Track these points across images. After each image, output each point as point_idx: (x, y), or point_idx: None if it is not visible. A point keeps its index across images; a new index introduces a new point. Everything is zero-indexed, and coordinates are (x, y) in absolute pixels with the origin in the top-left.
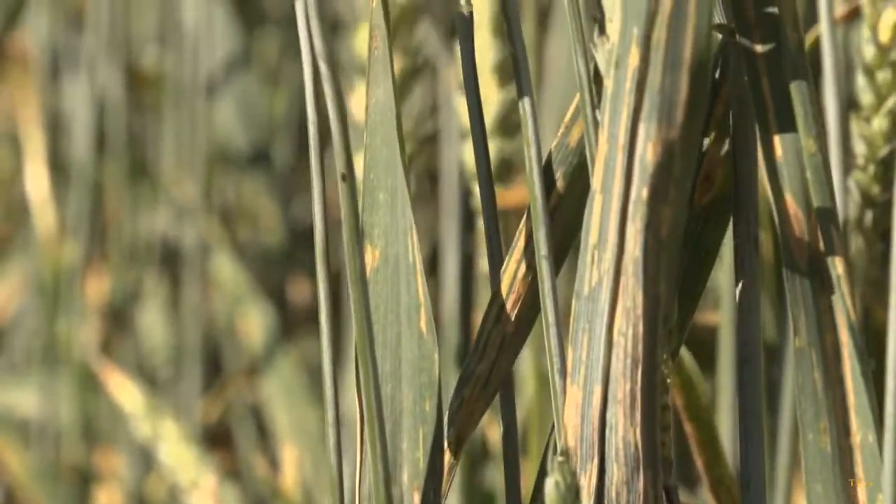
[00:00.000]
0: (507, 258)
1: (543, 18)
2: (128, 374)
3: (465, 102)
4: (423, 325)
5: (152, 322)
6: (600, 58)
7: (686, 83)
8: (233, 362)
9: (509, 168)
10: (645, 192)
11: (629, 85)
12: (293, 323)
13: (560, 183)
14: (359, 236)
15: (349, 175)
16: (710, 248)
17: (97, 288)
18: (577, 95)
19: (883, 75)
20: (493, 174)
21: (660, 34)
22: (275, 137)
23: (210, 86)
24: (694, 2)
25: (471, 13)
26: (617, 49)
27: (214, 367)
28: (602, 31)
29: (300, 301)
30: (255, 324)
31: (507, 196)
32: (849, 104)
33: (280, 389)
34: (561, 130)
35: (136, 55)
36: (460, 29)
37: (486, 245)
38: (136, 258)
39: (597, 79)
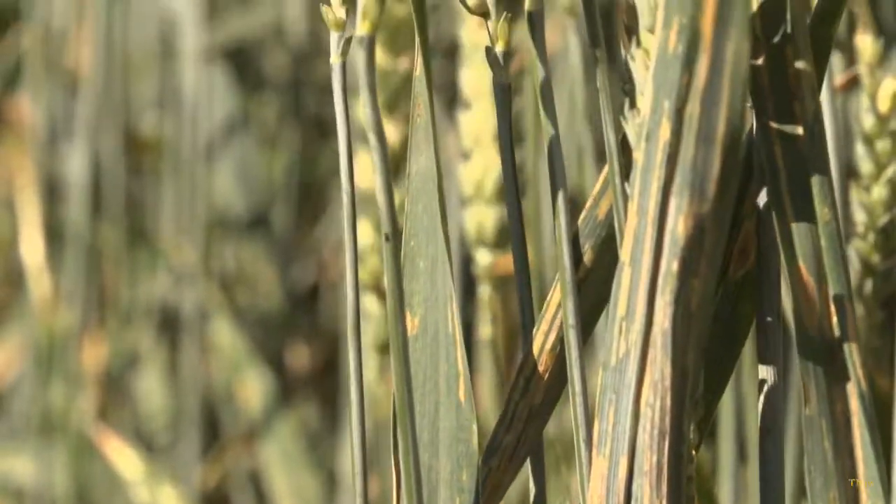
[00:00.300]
0: (535, 328)
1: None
2: (126, 440)
3: (466, 169)
4: (461, 394)
5: (151, 387)
6: (630, 130)
7: (719, 158)
8: (231, 427)
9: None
10: (675, 266)
11: (660, 158)
12: (292, 388)
13: (588, 255)
14: (401, 303)
15: (394, 237)
16: (743, 322)
17: (95, 354)
18: (606, 167)
19: (882, 144)
20: (496, 241)
21: (693, 108)
22: (273, 202)
23: (208, 150)
24: (728, 77)
25: (510, 83)
26: (648, 122)
27: (213, 433)
28: (633, 104)
29: (299, 366)
30: (253, 389)
31: (508, 262)
32: (848, 172)
33: (278, 455)
34: (589, 202)
35: (135, 120)
36: (497, 96)
37: (519, 312)
38: (134, 323)
39: (625, 150)
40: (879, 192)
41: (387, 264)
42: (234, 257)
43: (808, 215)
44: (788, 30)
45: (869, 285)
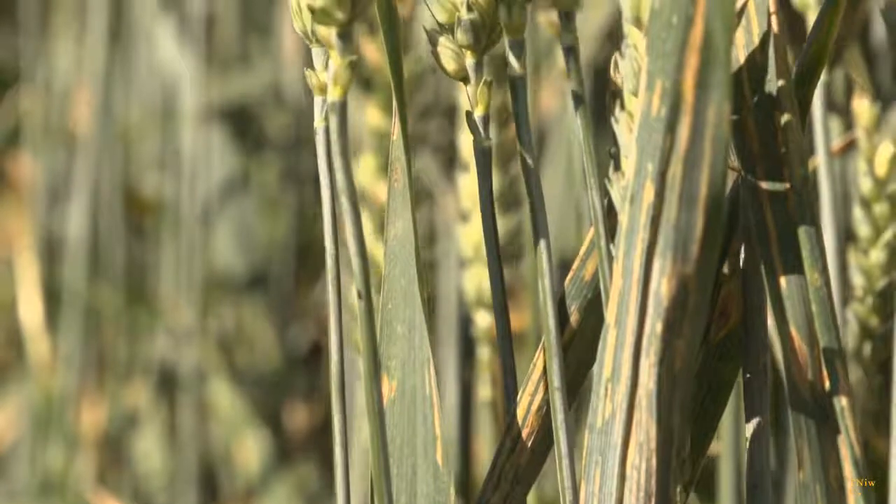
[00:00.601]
0: (520, 390)
1: (539, 146)
2: (124, 501)
3: (465, 230)
4: (439, 457)
5: (149, 448)
6: (615, 193)
7: (701, 219)
8: (229, 488)
9: (508, 295)
10: (659, 327)
11: (644, 220)
12: (290, 448)
13: (574, 316)
14: (377, 368)
15: (367, 300)
16: (726, 383)
17: (93, 415)
18: (592, 229)
19: (880, 208)
20: None
21: (675, 171)
22: (272, 262)
23: (207, 211)
24: (710, 140)
25: (490, 147)
26: (632, 184)
27: (211, 493)
28: (617, 167)
29: (297, 426)
30: (251, 450)
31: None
32: (846, 236)
33: None
34: (576, 263)
35: (134, 180)
36: (478, 161)
37: (502, 376)
38: (132, 384)
39: (610, 213)
40: (877, 255)
41: (361, 329)
42: (233, 317)
43: (799, 280)
44: (774, 91)
45: (867, 348)
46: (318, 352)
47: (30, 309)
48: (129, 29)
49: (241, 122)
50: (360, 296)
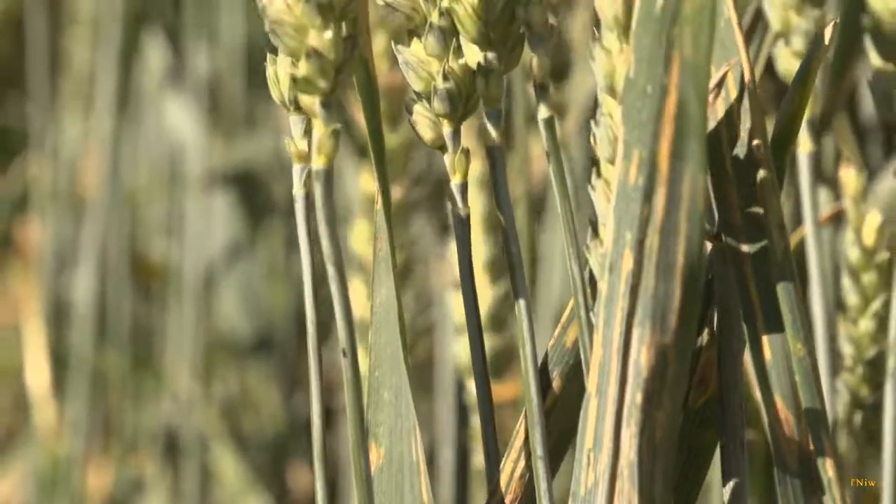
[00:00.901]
0: (504, 457)
1: (537, 215)
2: None
3: (457, 298)
4: None
5: None
6: (594, 261)
7: (679, 288)
8: None
9: (503, 362)
10: (639, 397)
11: (623, 289)
12: None
13: (556, 383)
14: (364, 435)
15: (353, 367)
16: (705, 450)
17: (99, 480)
18: (573, 298)
19: (868, 277)
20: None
21: (652, 240)
22: (277, 326)
23: (213, 276)
24: (685, 210)
25: (468, 215)
26: (611, 253)
27: None
28: (596, 234)
29: (300, 489)
30: None
31: (501, 390)
32: (836, 305)
33: None
34: (557, 331)
35: (141, 245)
36: (457, 229)
37: (482, 443)
38: (138, 449)
39: (591, 282)
40: (866, 324)
41: (348, 395)
42: (238, 381)
43: (783, 349)
44: (752, 157)
45: (858, 418)
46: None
47: (37, 374)
48: (135, 95)
49: (246, 187)
50: (343, 354)
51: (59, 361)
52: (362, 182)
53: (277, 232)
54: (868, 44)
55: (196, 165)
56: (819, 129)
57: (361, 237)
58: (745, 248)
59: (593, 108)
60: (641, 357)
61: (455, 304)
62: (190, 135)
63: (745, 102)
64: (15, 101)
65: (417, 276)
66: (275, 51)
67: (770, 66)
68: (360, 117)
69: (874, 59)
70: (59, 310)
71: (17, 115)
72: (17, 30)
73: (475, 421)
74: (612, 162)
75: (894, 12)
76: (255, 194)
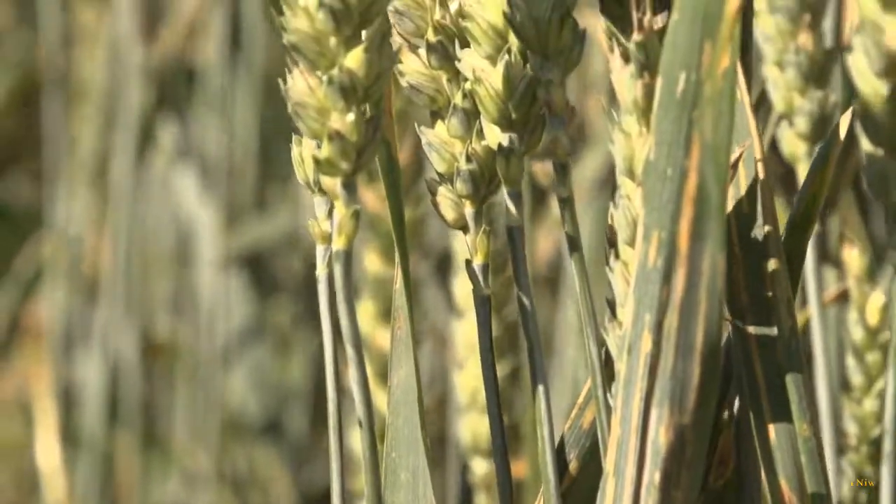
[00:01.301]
0: None
1: (553, 292)
2: None
3: (461, 377)
4: None
5: None
6: (612, 342)
7: (698, 369)
8: None
9: (512, 441)
10: (657, 477)
11: (642, 370)
12: None
13: (573, 464)
14: None
15: (371, 448)
16: None
17: None
18: (590, 378)
19: (872, 357)
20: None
21: (671, 321)
22: (287, 405)
23: (224, 354)
24: (705, 290)
25: (489, 295)
26: (630, 334)
27: None
28: (614, 316)
29: None
30: None
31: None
32: (840, 385)
33: None
34: (574, 412)
35: (151, 324)
36: (477, 308)
37: None
38: None
39: (608, 362)
40: (871, 404)
41: (366, 476)
42: (248, 460)
43: (788, 430)
44: (761, 240)
45: (863, 498)
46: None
47: (47, 451)
48: (147, 175)
49: (256, 266)
50: (360, 424)
51: (69, 439)
52: (368, 261)
53: (285, 309)
54: (858, 129)
55: (208, 245)
56: (824, 209)
57: (367, 316)
58: (751, 328)
59: (599, 186)
60: (660, 437)
61: (460, 383)
62: (201, 215)
63: (753, 180)
64: (21, 179)
65: (422, 352)
66: (296, 131)
67: (774, 146)
68: (366, 197)
69: (865, 144)
70: (69, 389)
71: (22, 193)
72: (26, 108)
73: (480, 501)
74: (630, 244)
75: (883, 97)
76: (264, 273)
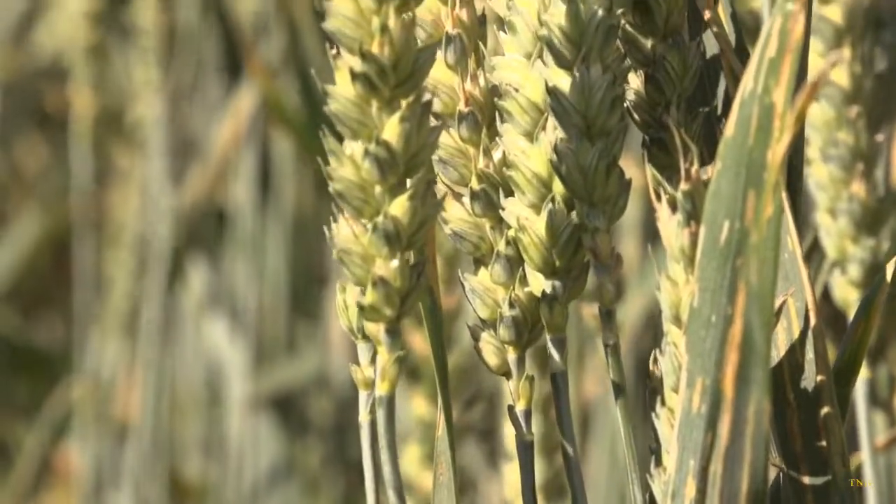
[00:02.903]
0: None
1: (583, 431)
2: None
3: None
4: None
5: None
6: (657, 488)
7: None
8: None
9: None
10: None
11: None
12: None
13: None
14: None
15: None
16: None
17: None
18: None
19: None
20: None
21: (716, 467)
22: None
23: (252, 495)
24: (750, 436)
25: (532, 440)
26: (674, 480)
27: None
28: (659, 462)
29: None
30: None
31: None
32: None
33: None
34: None
35: (180, 466)
36: (520, 454)
37: None
38: None
39: None
40: None
41: None
42: None
43: None
44: (814, 389)
45: None
46: None
47: None
48: (176, 316)
49: (285, 406)
50: None
51: None
52: (414, 405)
53: (313, 450)
54: None
55: (237, 386)
56: (874, 356)
57: (412, 460)
58: (806, 478)
59: (643, 327)
60: None
61: None
62: (231, 356)
63: (809, 333)
64: (52, 320)
65: (467, 499)
66: (326, 272)
67: (826, 293)
68: (412, 340)
69: None
70: None
71: (53, 334)
72: (58, 249)
73: None
74: (675, 390)
75: None
76: (292, 413)
